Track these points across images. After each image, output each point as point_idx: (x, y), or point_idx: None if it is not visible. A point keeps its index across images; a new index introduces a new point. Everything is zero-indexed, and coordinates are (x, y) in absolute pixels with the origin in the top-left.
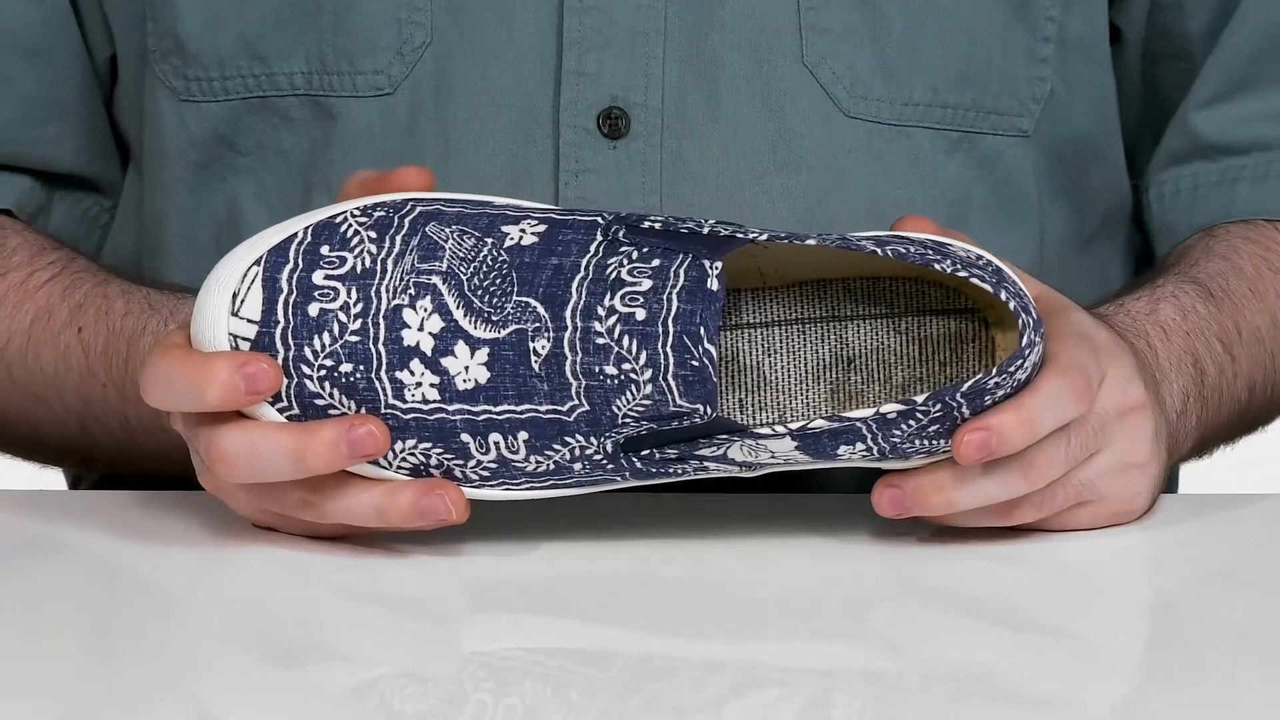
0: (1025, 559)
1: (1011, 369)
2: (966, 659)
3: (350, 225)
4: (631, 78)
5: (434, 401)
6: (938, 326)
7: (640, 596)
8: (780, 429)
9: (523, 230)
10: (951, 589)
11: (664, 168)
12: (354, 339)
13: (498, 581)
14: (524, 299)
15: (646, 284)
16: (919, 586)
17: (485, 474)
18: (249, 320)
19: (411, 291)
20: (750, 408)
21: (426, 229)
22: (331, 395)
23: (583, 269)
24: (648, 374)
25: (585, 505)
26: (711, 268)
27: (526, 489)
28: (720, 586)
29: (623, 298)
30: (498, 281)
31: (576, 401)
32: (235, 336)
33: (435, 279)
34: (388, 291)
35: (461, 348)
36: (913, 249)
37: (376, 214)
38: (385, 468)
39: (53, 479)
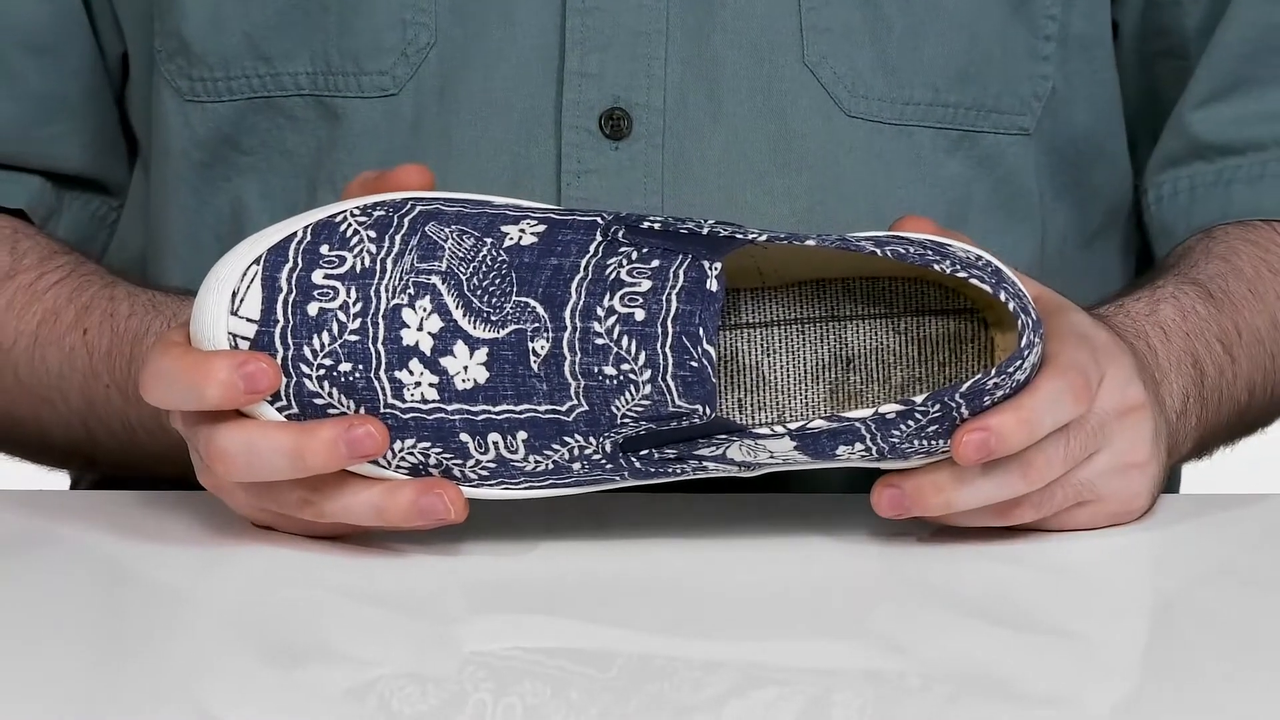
0: (1025, 559)
1: (1010, 369)
2: (967, 658)
3: (350, 225)
4: (633, 78)
5: (433, 401)
6: (937, 327)
7: (640, 596)
8: (779, 429)
9: (522, 230)
10: (951, 589)
11: (665, 168)
12: (353, 338)
13: (497, 581)
14: (523, 299)
15: (646, 284)
16: (919, 586)
17: (484, 473)
18: (248, 319)
19: (411, 291)
20: (749, 407)
21: (426, 229)
22: (330, 394)
23: (582, 269)
24: (647, 374)
25: (584, 505)
26: (711, 268)
27: (525, 488)
28: (720, 586)
29: (622, 298)
30: (497, 281)
31: (575, 401)
32: (235, 335)
33: (435, 279)
34: (387, 291)
35: (460, 347)
36: (912, 249)
37: (376, 213)
38: (384, 467)
39: (53, 479)
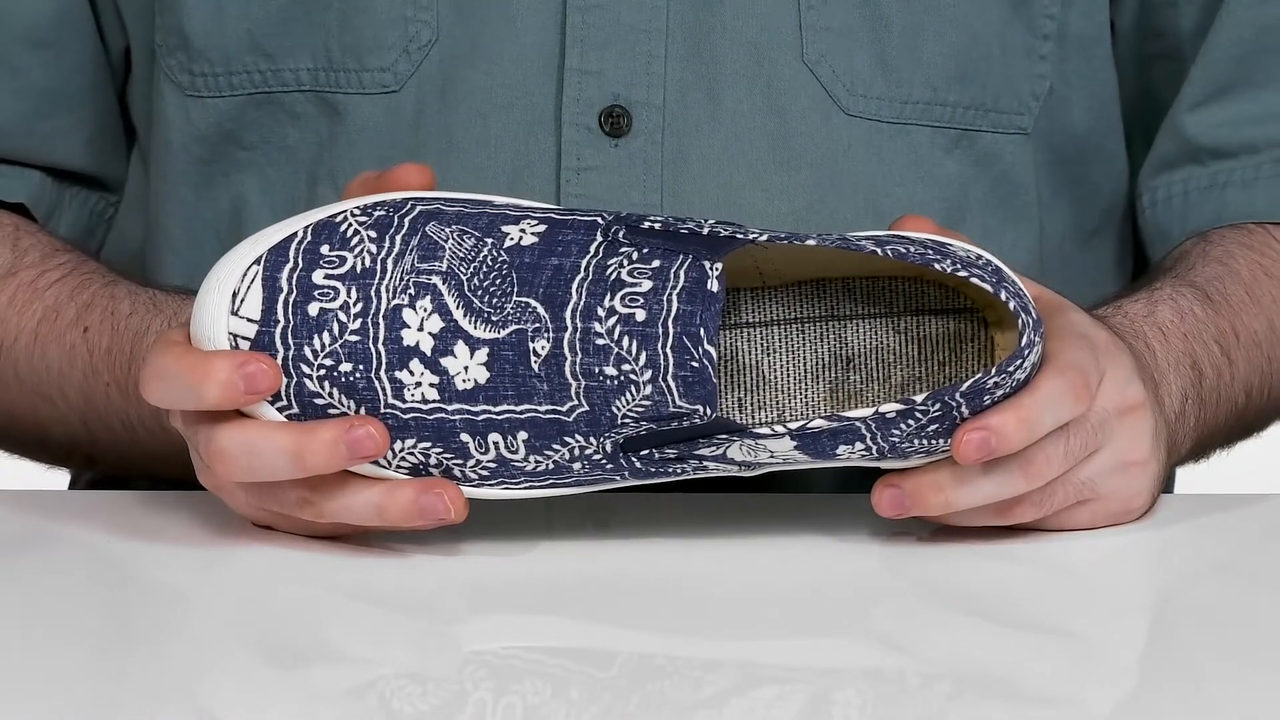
0: (1024, 558)
1: (1011, 369)
2: (966, 657)
3: (350, 225)
4: (633, 76)
5: (433, 401)
6: (937, 326)
7: (640, 596)
8: (779, 429)
9: (522, 230)
10: (951, 588)
11: (665, 165)
12: (354, 338)
13: (497, 581)
14: (524, 299)
15: (646, 285)
16: (919, 585)
17: (484, 473)
18: (249, 319)
19: (411, 291)
20: (749, 407)
21: (426, 229)
22: (331, 395)
23: (583, 269)
24: (647, 375)
25: (585, 505)
26: (711, 269)
27: (525, 488)
28: (720, 585)
29: (623, 298)
30: (497, 282)
31: (576, 402)
32: (235, 335)
33: (435, 279)
34: (387, 291)
35: (461, 348)
36: (912, 249)
37: (376, 213)
38: (384, 467)
39: (53, 479)
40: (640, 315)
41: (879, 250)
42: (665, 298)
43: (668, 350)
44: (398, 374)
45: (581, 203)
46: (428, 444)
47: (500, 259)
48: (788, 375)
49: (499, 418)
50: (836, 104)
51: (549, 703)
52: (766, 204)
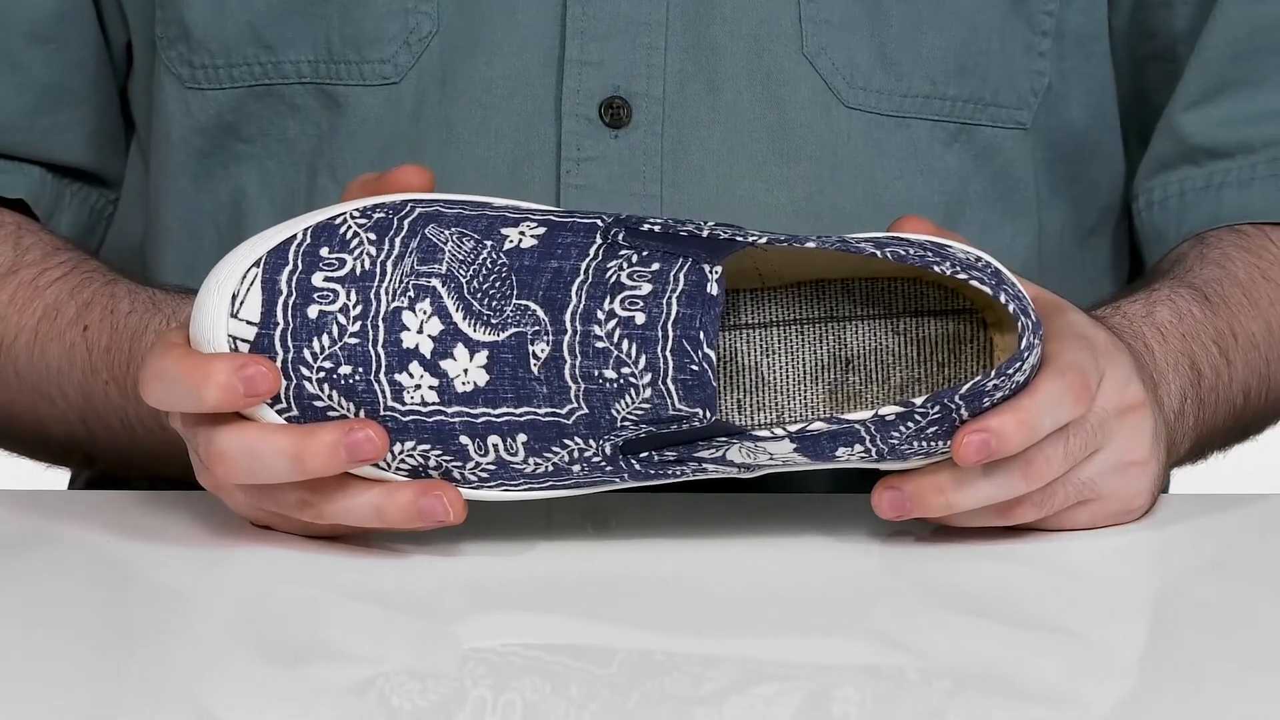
0: (1024, 557)
1: (1010, 371)
2: (966, 654)
3: (349, 227)
4: (633, 67)
5: (433, 404)
6: (936, 327)
7: (639, 593)
8: (779, 431)
9: (522, 233)
10: (951, 585)
11: (665, 156)
12: (353, 341)
13: (496, 579)
14: (523, 302)
15: (646, 288)
16: (918, 583)
17: (484, 475)
18: (248, 322)
19: (411, 294)
20: (749, 408)
21: (426, 231)
22: (330, 397)
23: (582, 272)
24: (647, 378)
25: (584, 505)
26: (711, 272)
27: (525, 490)
28: (719, 583)
29: (622, 301)
30: (497, 284)
31: (575, 405)
32: (234, 338)
33: (435, 281)
34: (387, 294)
35: (460, 350)
36: (912, 251)
37: (376, 216)
38: (384, 469)
39: (53, 478)
40: (640, 318)
41: (878, 253)
42: (665, 301)
43: (667, 353)
44: (397, 376)
45: (582, 193)
46: (427, 446)
47: (500, 261)
48: (787, 376)
49: (498, 420)
50: (836, 96)
51: (548, 700)
52: (766, 195)
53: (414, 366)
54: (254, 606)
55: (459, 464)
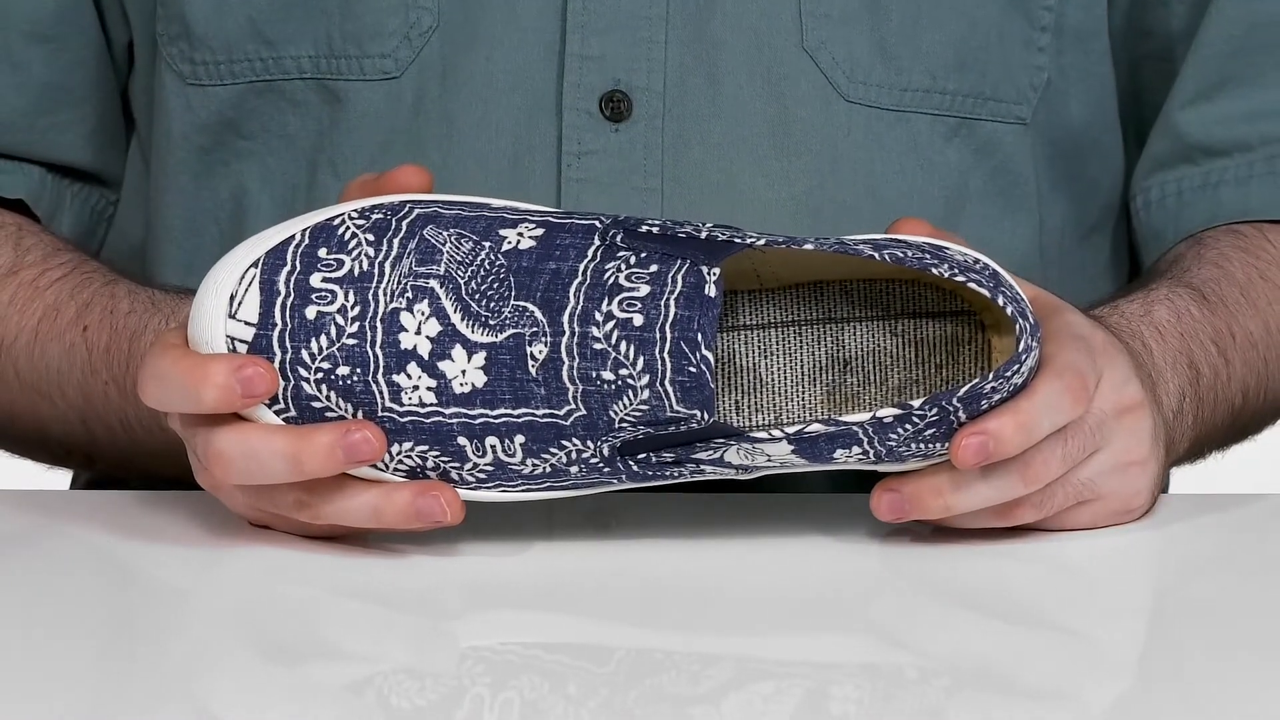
0: (1023, 555)
1: (1008, 374)
2: (964, 652)
3: (348, 228)
4: (634, 61)
5: (430, 405)
6: (934, 329)
7: (637, 592)
8: (777, 433)
9: (520, 234)
10: (949, 584)
11: (665, 150)
12: (351, 342)
13: (494, 577)
14: (521, 303)
15: (644, 289)
16: (917, 581)
17: (482, 476)
18: (246, 322)
19: (409, 295)
20: (746, 409)
21: (424, 232)
22: (328, 398)
23: (580, 274)
24: (645, 379)
25: (582, 504)
26: (709, 274)
27: (522, 491)
28: (717, 582)
29: (620, 303)
30: (495, 286)
31: (573, 406)
32: (232, 339)
33: (433, 282)
34: (385, 294)
35: (459, 351)
36: (910, 253)
37: (374, 216)
38: (382, 470)
39: (53, 478)
40: (638, 320)
41: (876, 255)
42: (663, 303)
43: (665, 355)
44: (395, 377)
45: (582, 187)
46: (424, 447)
47: (498, 263)
48: (785, 378)
49: (496, 421)
50: (836, 90)
51: (547, 698)
52: (766, 189)
53: (412, 367)
54: (253, 606)
55: (457, 465)
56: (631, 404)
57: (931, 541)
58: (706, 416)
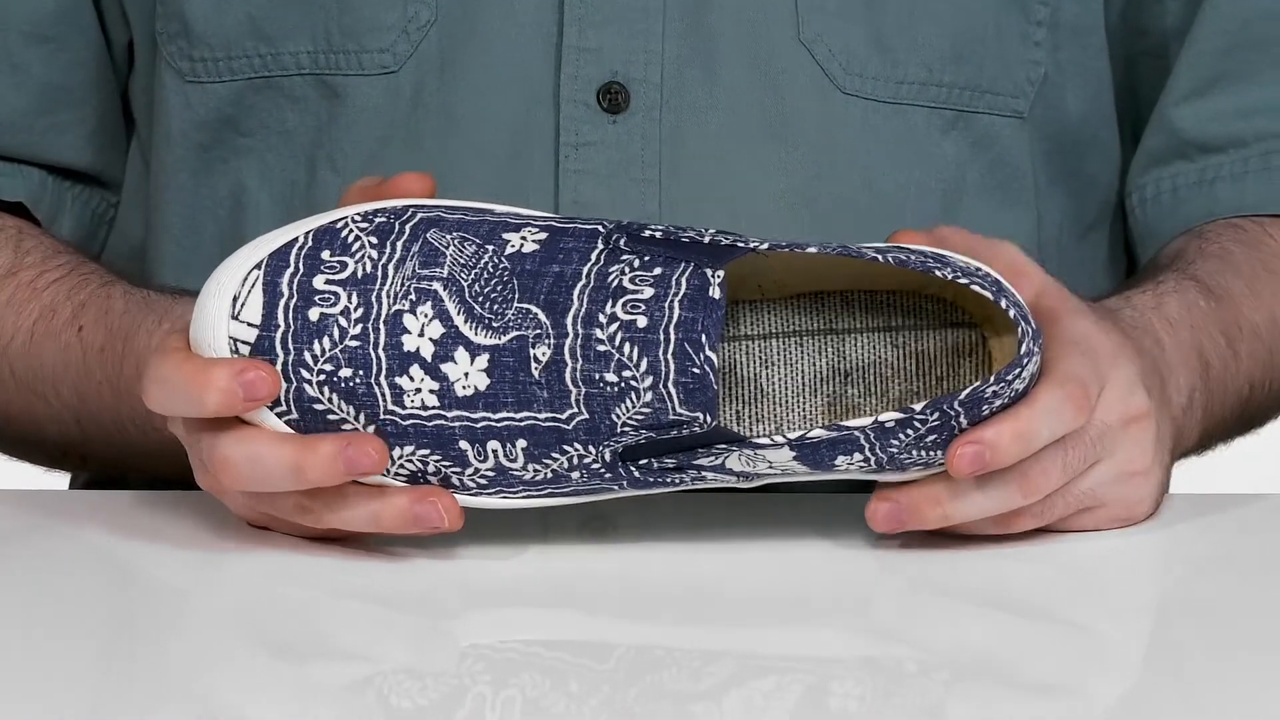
0: (1023, 552)
1: (1009, 378)
2: (965, 647)
3: (351, 230)
4: (631, 54)
5: (433, 408)
6: (935, 341)
7: (637, 589)
8: (779, 439)
9: (523, 238)
10: (949, 579)
11: (663, 142)
12: (354, 344)
13: (494, 577)
14: (525, 306)
15: (648, 292)
16: (917, 578)
17: (483, 482)
18: (249, 324)
19: (412, 297)
20: (747, 420)
21: (428, 235)
22: (331, 400)
23: (584, 276)
24: (648, 381)
25: (583, 504)
26: (713, 276)
27: (523, 498)
28: (717, 578)
29: (624, 305)
30: (499, 288)
31: (576, 409)
32: (235, 340)
33: (436, 285)
34: (388, 297)
35: (461, 354)
36: (913, 257)
37: (378, 220)
38: (383, 474)
39: (53, 479)
40: (642, 321)
41: (880, 257)
42: (667, 304)
43: (669, 356)
44: (397, 380)
45: (580, 179)
46: (426, 451)
47: (501, 266)
48: (786, 388)
49: (498, 425)
50: (833, 83)
51: (548, 695)
52: (763, 181)
53: (415, 370)
54: (253, 606)
55: (458, 470)
56: (634, 407)
57: (931, 539)
58: (709, 419)
